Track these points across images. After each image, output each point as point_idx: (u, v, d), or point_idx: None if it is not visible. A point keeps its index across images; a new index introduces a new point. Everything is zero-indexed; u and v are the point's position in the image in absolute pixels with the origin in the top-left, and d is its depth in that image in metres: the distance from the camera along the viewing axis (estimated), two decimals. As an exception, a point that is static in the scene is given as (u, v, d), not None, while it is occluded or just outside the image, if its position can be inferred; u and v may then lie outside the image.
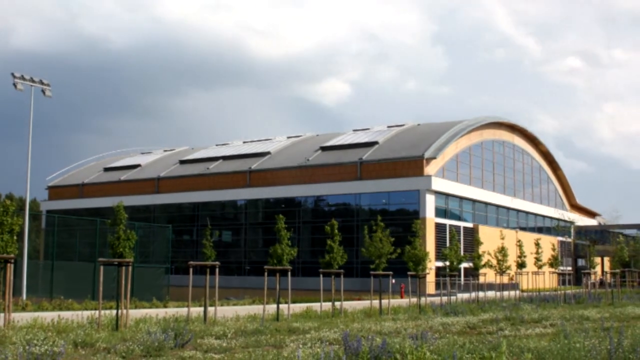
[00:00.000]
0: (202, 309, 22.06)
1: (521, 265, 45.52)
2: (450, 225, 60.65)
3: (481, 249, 42.61)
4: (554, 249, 48.46)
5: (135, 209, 67.52)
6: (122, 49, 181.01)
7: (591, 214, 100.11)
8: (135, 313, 22.62)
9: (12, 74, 36.93)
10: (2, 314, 17.87)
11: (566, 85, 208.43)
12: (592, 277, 50.95)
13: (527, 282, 51.09)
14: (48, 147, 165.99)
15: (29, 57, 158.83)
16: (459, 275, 53.00)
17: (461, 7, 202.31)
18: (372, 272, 30.56)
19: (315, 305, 28.11)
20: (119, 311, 18.84)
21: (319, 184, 64.34)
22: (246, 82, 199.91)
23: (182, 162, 78.86)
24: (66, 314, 21.22)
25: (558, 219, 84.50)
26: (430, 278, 51.73)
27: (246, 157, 73.24)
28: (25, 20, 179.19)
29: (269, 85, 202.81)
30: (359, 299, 36.35)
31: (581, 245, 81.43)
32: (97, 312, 19.21)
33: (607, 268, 67.18)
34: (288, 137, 79.49)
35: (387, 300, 29.89)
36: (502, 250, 43.01)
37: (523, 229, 74.16)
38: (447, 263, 39.47)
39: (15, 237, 19.09)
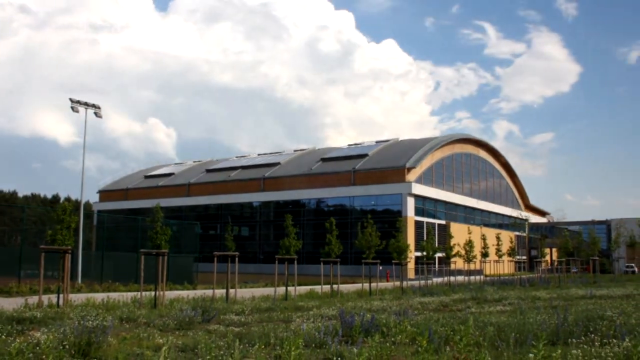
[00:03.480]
0: (224, 290, 22.05)
1: (485, 254, 45.50)
2: (427, 223, 60.62)
3: (452, 242, 42.68)
4: (511, 242, 48.48)
5: (170, 209, 67.42)
6: None
7: (542, 213, 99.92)
8: (170, 294, 22.60)
9: (70, 99, 36.97)
10: (62, 295, 17.88)
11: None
12: (543, 264, 50.85)
13: (489, 268, 51.02)
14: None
15: None
16: (434, 263, 52.91)
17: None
18: (363, 261, 30.55)
19: (317, 288, 28.10)
20: (157, 292, 18.84)
21: (320, 188, 64.31)
22: None
23: (208, 170, 78.83)
24: (113, 295, 21.21)
25: (515, 217, 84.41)
26: (411, 265, 51.65)
27: (260, 167, 73.23)
28: None
29: None
30: (353, 283, 36.29)
31: (534, 239, 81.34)
32: (139, 293, 19.21)
33: (555, 257, 67.10)
34: (295, 151, 79.46)
35: (376, 283, 29.88)
36: (469, 243, 42.98)
37: (486, 225, 74.03)
38: (425, 253, 39.43)
39: (72, 232, 19.11)
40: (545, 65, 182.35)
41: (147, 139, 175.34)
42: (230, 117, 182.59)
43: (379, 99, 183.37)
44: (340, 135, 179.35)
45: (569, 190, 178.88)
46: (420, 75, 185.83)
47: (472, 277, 43.18)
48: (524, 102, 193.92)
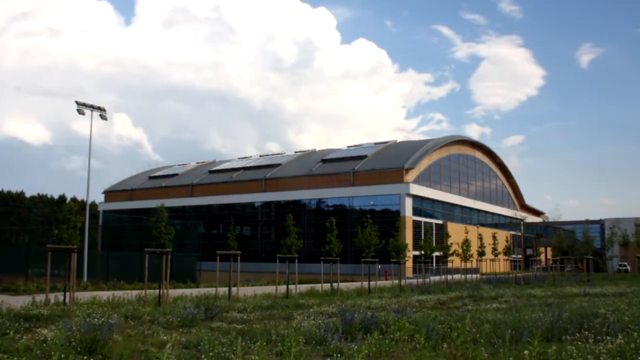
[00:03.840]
0: (227, 288, 22.05)
1: (481, 253, 45.57)
2: (425, 222, 60.62)
3: (449, 241, 42.66)
4: (507, 241, 48.61)
5: (174, 209, 67.41)
6: None
7: (537, 213, 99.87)
8: (174, 292, 22.59)
9: (76, 102, 36.99)
10: (68, 293, 17.88)
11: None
12: (538, 263, 50.84)
13: (486, 267, 51.06)
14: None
15: None
16: (432, 262, 52.86)
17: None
18: (362, 260, 30.56)
19: (318, 286, 28.05)
20: (161, 291, 18.84)
21: (320, 189, 64.33)
22: None
23: (211, 171, 78.85)
24: (119, 293, 21.20)
25: (511, 217, 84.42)
26: (409, 264, 51.62)
27: (262, 168, 73.26)
28: None
29: None
30: (352, 281, 36.25)
31: (529, 238, 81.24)
32: (143, 291, 19.21)
33: (549, 256, 67.11)
34: (295, 152, 79.48)
35: (375, 281, 29.87)
36: (466, 242, 43.06)
37: (483, 225, 74.03)
38: (422, 252, 39.49)
39: (77, 232, 19.13)
40: (509, 69, 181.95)
41: (121, 138, 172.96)
42: (197, 117, 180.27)
43: (350, 99, 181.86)
44: (307, 134, 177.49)
45: (549, 191, 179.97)
46: (389, 76, 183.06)
47: (468, 276, 43.17)
48: (492, 105, 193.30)
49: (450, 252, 42.67)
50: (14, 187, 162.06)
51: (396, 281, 33.33)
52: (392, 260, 34.14)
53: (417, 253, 47.79)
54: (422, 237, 44.62)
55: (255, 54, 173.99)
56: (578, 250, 56.59)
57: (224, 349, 8.60)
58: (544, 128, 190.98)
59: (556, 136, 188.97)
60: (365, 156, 65.66)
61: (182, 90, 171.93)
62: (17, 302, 17.00)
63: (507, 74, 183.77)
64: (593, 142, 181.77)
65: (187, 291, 24.86)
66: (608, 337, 9.59)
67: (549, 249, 71.48)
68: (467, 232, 44.36)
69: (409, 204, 59.54)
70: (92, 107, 37.76)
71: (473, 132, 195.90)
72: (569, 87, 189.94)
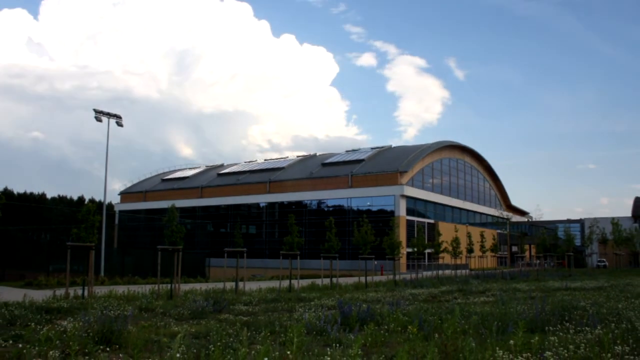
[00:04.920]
0: (234, 283, 22.05)
1: (470, 250, 45.45)
2: (417, 222, 60.57)
3: (440, 239, 42.53)
4: (494, 239, 48.49)
5: (184, 209, 67.39)
6: None
7: (522, 213, 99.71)
8: (184, 286, 22.60)
9: (94, 110, 37.05)
10: (86, 287, 17.89)
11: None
12: (523, 259, 50.78)
13: (474, 263, 50.99)
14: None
15: None
16: (424, 258, 52.87)
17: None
18: (360, 256, 30.53)
19: (318, 281, 28.09)
20: (173, 285, 18.85)
21: (321, 191, 64.30)
22: None
23: (219, 174, 78.82)
24: (133, 287, 21.22)
25: (497, 217, 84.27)
26: (403, 260, 51.60)
27: (266, 171, 73.25)
28: None
29: None
30: (350, 276, 36.25)
31: (514, 236, 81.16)
32: (156, 285, 19.22)
33: (533, 253, 67.02)
34: (297, 156, 79.46)
35: (371, 277, 29.83)
36: (456, 240, 42.93)
37: (472, 224, 73.91)
38: (415, 249, 39.39)
39: (95, 230, 19.14)
40: (413, 83, 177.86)
41: (47, 146, 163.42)
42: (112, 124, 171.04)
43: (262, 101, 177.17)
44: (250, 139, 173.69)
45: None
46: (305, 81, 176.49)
47: (458, 271, 43.12)
48: (408, 117, 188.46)
49: (441, 249, 42.49)
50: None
51: (391, 276, 33.30)
52: (387, 256, 34.06)
53: (410, 250, 47.69)
54: (415, 235, 44.43)
55: (164, 54, 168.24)
56: (560, 247, 56.46)
57: (231, 339, 8.61)
58: (459, 137, 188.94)
59: (474, 143, 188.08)
60: (362, 160, 65.67)
61: (86, 98, 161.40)
62: (39, 295, 17.02)
63: (412, 85, 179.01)
64: (514, 148, 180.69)
65: (197, 285, 24.86)
66: (587, 328, 9.59)
67: (532, 246, 71.38)
68: (456, 231, 44.19)
69: (403, 204, 59.52)
70: (109, 115, 37.81)
71: (397, 143, 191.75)
72: (466, 98, 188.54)
